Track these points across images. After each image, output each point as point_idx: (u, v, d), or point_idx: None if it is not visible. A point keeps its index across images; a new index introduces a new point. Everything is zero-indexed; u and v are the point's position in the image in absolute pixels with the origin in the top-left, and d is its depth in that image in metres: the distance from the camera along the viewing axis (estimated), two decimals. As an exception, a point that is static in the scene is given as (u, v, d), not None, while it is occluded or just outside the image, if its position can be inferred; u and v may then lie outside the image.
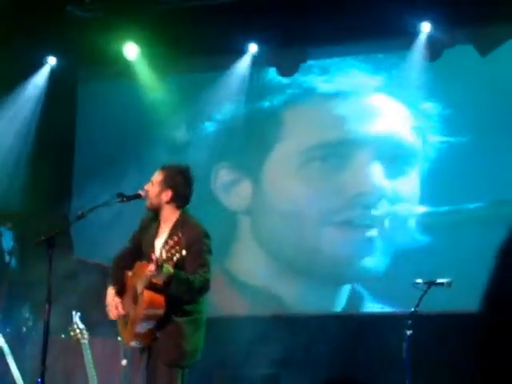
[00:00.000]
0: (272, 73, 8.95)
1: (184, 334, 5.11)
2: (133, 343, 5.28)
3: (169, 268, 4.84)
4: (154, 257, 4.85)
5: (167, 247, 4.80)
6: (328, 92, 8.71)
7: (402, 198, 8.25)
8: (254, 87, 8.92)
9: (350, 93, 8.64)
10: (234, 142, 8.91)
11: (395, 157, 8.31)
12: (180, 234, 4.87)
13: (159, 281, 4.92)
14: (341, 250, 8.31)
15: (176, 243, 4.77)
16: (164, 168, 5.37)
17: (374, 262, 8.24)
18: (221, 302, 8.22)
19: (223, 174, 8.82)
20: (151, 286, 5.00)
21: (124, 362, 6.76)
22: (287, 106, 8.84)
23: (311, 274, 8.45)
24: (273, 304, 8.47)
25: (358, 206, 8.31)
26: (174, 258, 4.78)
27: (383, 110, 8.48)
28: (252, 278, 8.62)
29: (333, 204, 8.38)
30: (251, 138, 8.92)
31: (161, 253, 4.85)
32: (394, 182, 8.28)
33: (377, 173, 8.31)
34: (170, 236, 4.98)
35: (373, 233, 8.25)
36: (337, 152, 8.48)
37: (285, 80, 8.86)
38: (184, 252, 4.79)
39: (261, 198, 8.78)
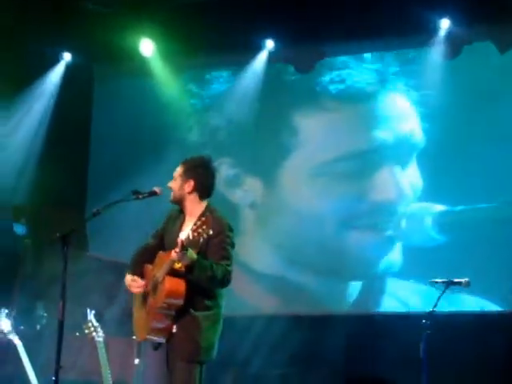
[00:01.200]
0: (289, 73, 8.89)
1: (200, 329, 5.05)
2: (149, 337, 5.21)
3: (192, 253, 4.81)
4: (179, 240, 4.81)
5: (194, 227, 4.77)
6: (345, 95, 8.65)
7: (420, 198, 8.20)
8: (271, 87, 8.88)
9: (368, 95, 8.58)
10: (243, 138, 8.85)
11: (412, 158, 8.26)
12: (208, 214, 4.85)
13: (182, 265, 4.87)
14: (362, 251, 8.30)
15: (203, 223, 4.75)
16: (185, 161, 5.35)
17: (393, 261, 8.19)
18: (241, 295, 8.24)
19: (224, 169, 8.77)
20: (173, 273, 4.95)
21: (137, 361, 6.73)
22: (304, 108, 8.79)
23: (329, 272, 8.41)
24: (288, 298, 8.44)
25: (382, 211, 8.29)
26: (201, 239, 4.75)
27: (401, 112, 8.42)
28: (266, 267, 8.61)
29: (355, 209, 8.38)
30: (264, 136, 8.89)
31: (188, 236, 4.80)
32: (413, 183, 8.23)
33: (398, 177, 8.26)
34: (196, 223, 4.93)
35: (393, 234, 8.21)
36: (358, 160, 8.44)
37: (302, 80, 8.80)
38: (211, 231, 4.76)
39: (273, 196, 8.79)
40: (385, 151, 8.37)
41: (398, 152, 8.33)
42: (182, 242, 4.77)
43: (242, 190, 8.83)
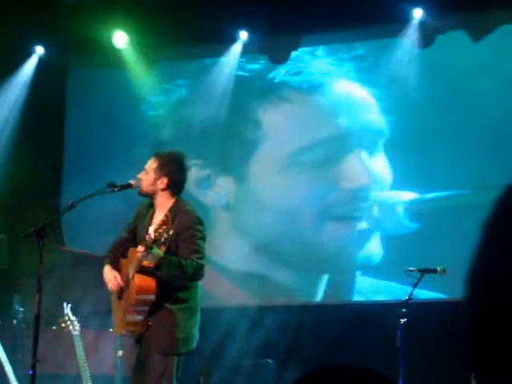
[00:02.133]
0: (246, 67, 8.87)
1: (177, 322, 5.08)
2: (124, 331, 5.24)
3: (157, 250, 4.82)
4: (146, 237, 4.83)
5: (156, 227, 4.79)
6: (312, 84, 8.62)
7: (389, 186, 8.23)
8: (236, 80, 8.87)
9: (333, 84, 8.58)
10: (212, 136, 8.83)
11: (378, 146, 8.28)
12: (168, 213, 4.85)
13: (150, 263, 4.89)
14: (339, 242, 8.29)
15: (163, 223, 4.76)
16: (158, 155, 5.34)
17: (369, 251, 8.21)
18: (213, 292, 8.19)
19: (195, 170, 8.73)
20: (142, 270, 4.97)
21: (120, 352, 6.72)
22: (269, 102, 8.75)
23: (305, 265, 8.42)
24: (264, 292, 8.44)
25: (356, 199, 8.28)
26: (162, 238, 4.76)
27: (366, 100, 8.43)
28: (238, 266, 8.58)
29: (329, 200, 8.34)
30: (230, 135, 8.85)
31: (150, 234, 4.83)
32: (382, 170, 8.25)
33: (366, 162, 8.28)
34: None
35: (368, 223, 8.23)
36: (325, 148, 8.42)
37: (262, 72, 8.78)
38: (171, 231, 4.77)
39: (245, 195, 8.73)
40: (350, 138, 8.35)
41: (364, 139, 8.32)
42: (146, 241, 4.77)
43: (213, 192, 8.77)
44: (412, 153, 8.15)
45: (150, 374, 5.10)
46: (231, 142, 8.81)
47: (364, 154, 8.29)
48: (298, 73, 8.65)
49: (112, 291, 5.26)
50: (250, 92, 8.84)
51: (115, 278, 5.20)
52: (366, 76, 8.43)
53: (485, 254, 2.06)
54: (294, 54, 8.66)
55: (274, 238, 8.50)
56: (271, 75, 8.76)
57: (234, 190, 8.74)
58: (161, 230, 4.76)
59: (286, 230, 8.44)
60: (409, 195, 8.13)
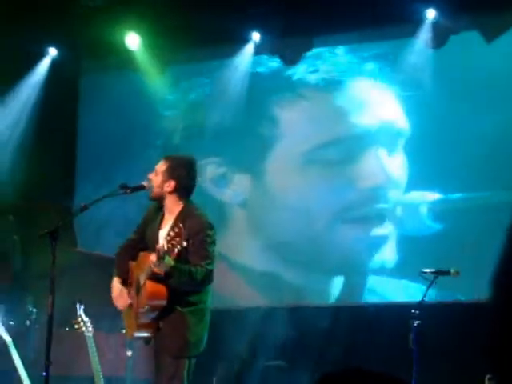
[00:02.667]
0: (265, 64, 8.85)
1: (188, 325, 5.09)
2: (136, 334, 5.26)
3: (170, 260, 4.82)
4: (157, 247, 4.83)
5: (168, 238, 4.78)
6: (329, 83, 8.61)
7: (409, 185, 8.19)
8: (251, 80, 8.85)
9: (351, 83, 8.57)
10: (228, 135, 8.81)
11: (398, 146, 8.25)
12: (181, 225, 4.83)
13: (161, 271, 4.90)
14: (354, 243, 8.26)
15: (177, 235, 4.75)
16: (168, 158, 5.34)
17: (383, 255, 8.17)
18: (224, 290, 8.20)
19: (211, 169, 8.71)
20: (154, 277, 4.97)
21: (129, 353, 6.73)
22: (286, 100, 8.74)
23: (321, 266, 8.39)
24: (279, 293, 8.43)
25: (372, 199, 8.24)
26: (175, 250, 4.75)
27: (385, 99, 8.40)
28: (255, 265, 8.57)
29: (346, 200, 8.31)
30: (247, 132, 8.83)
31: (163, 243, 4.83)
32: (400, 170, 8.21)
33: (383, 162, 8.24)
34: (173, 227, 4.94)
35: (388, 225, 8.18)
36: (342, 147, 8.39)
37: (279, 71, 8.76)
38: (185, 243, 4.78)
39: (261, 192, 8.73)
40: (367, 137, 8.31)
41: (382, 138, 8.28)
42: (159, 250, 4.77)
43: (230, 189, 8.76)
44: (432, 153, 8.11)
45: (161, 376, 5.12)
46: (247, 140, 8.80)
47: (382, 153, 8.25)
48: (316, 71, 8.64)
49: (123, 309, 5.29)
50: (266, 90, 8.83)
51: (122, 296, 5.22)
52: (384, 75, 8.40)
53: (510, 256, 2.04)
54: (312, 51, 8.63)
55: (290, 237, 8.48)
56: (288, 73, 8.75)
57: (250, 188, 8.74)
58: (174, 242, 4.74)
59: (302, 228, 8.42)
60: (432, 195, 8.08)
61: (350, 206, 8.30)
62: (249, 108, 8.78)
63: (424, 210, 8.08)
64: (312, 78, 8.65)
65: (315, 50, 8.64)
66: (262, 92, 8.84)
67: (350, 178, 8.34)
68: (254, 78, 8.83)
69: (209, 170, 8.70)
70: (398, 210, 8.18)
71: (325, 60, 8.66)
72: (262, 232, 8.71)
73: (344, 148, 8.37)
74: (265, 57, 8.86)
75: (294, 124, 8.67)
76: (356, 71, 8.55)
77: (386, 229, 8.18)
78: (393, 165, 8.23)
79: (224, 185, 8.76)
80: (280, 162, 8.66)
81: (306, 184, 8.51)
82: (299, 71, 8.71)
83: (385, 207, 8.19)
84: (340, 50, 8.67)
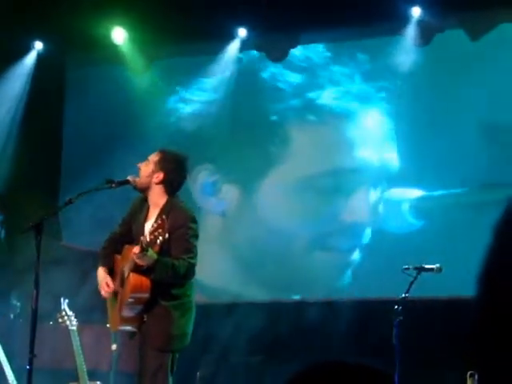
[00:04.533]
0: (274, 68, 8.78)
1: (171, 318, 5.12)
2: (120, 327, 5.28)
3: (153, 253, 4.84)
4: (141, 239, 4.86)
5: (151, 230, 4.82)
6: (344, 110, 8.48)
7: (396, 183, 8.24)
8: (251, 83, 8.83)
9: (365, 113, 8.45)
10: (223, 140, 8.77)
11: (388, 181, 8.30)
12: (164, 217, 4.86)
13: (143, 264, 4.92)
14: (323, 269, 8.33)
15: (159, 226, 4.78)
16: (163, 151, 5.40)
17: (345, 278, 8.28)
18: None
19: (202, 176, 8.70)
20: (137, 269, 5.00)
21: (114, 346, 6.74)
22: (301, 119, 8.63)
23: (287, 287, 8.46)
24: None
25: (351, 233, 8.28)
26: (158, 241, 4.79)
27: (389, 137, 8.35)
28: (212, 279, 8.45)
29: (326, 228, 8.33)
30: (252, 144, 8.74)
31: (145, 235, 4.86)
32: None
33: (373, 203, 8.25)
34: (156, 219, 4.98)
35: (356, 256, 8.28)
36: (340, 177, 8.36)
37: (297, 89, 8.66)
38: (167, 235, 4.80)
39: (246, 207, 8.67)
40: (364, 173, 8.29)
41: (377, 176, 8.28)
42: (142, 242, 4.79)
43: (216, 198, 8.72)
44: (416, 150, 8.16)
45: (145, 369, 5.14)
46: (251, 152, 8.69)
47: (373, 193, 8.26)
48: (336, 97, 8.53)
49: (104, 298, 5.30)
50: (285, 106, 8.69)
51: (107, 284, 5.24)
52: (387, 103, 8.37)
53: (495, 254, 2.06)
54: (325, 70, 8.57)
55: (260, 257, 8.47)
56: (310, 95, 8.61)
57: (236, 201, 8.66)
58: (156, 234, 4.78)
59: (275, 250, 8.40)
60: (414, 192, 8.13)
61: (327, 235, 8.32)
62: (247, 114, 8.73)
63: (406, 206, 8.13)
64: (331, 104, 8.52)
65: (300, 48, 8.63)
66: (281, 107, 8.71)
67: (337, 209, 8.33)
68: (276, 92, 8.74)
69: (201, 176, 8.65)
70: (383, 207, 8.22)
71: (342, 83, 8.54)
72: (233, 246, 8.66)
73: (341, 179, 8.34)
74: (287, 72, 8.76)
75: (301, 146, 8.56)
76: (370, 102, 8.42)
77: (358, 256, 8.23)
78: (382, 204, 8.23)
79: (212, 193, 8.71)
80: (276, 181, 8.58)
81: (292, 208, 8.48)
82: (324, 95, 8.59)
83: (364, 242, 8.23)
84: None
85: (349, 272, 8.28)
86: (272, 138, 8.66)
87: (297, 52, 8.68)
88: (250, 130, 8.76)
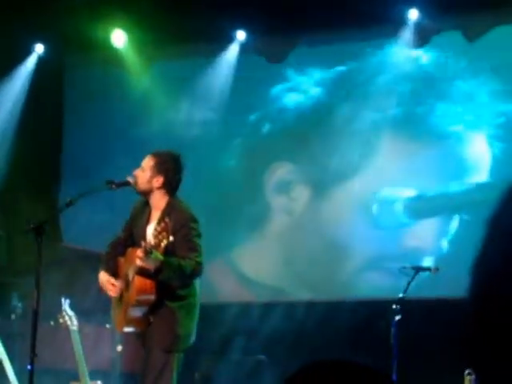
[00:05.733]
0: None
1: (177, 319, 5.14)
2: (126, 329, 5.30)
3: (158, 255, 4.86)
4: (143, 243, 4.88)
5: (155, 233, 4.83)
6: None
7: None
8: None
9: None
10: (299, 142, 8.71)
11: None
12: (167, 220, 4.88)
13: (149, 267, 4.94)
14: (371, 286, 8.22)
15: (163, 229, 4.80)
16: (155, 154, 5.38)
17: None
18: (218, 288, 8.32)
19: (281, 173, 8.69)
20: (141, 272, 5.02)
21: (119, 348, 6.76)
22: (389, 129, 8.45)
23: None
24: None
25: (408, 256, 7.89)
26: (162, 244, 4.80)
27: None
28: (258, 274, 8.61)
29: (383, 251, 8.17)
30: (331, 146, 8.58)
31: (150, 239, 4.88)
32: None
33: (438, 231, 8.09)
34: (159, 222, 5.00)
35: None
36: (421, 202, 8.12)
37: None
38: (171, 238, 4.82)
39: (314, 212, 8.59)
40: (454, 201, 8.04)
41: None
42: (145, 245, 4.83)
43: (288, 198, 8.70)
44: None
45: (150, 369, 5.16)
46: (331, 157, 8.52)
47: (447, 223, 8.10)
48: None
49: (112, 297, 5.33)
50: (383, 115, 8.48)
51: (113, 284, 5.26)
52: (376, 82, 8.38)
53: (488, 250, 2.11)
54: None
55: (313, 260, 8.45)
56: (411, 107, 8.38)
57: (306, 203, 8.61)
58: (160, 237, 4.80)
59: (320, 260, 8.37)
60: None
61: (385, 258, 8.11)
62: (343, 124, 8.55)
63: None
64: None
65: (299, 50, 8.67)
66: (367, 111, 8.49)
67: (400, 233, 8.18)
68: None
69: (278, 173, 8.66)
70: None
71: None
72: (291, 246, 8.65)
73: (421, 204, 8.12)
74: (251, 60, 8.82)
75: (387, 159, 8.31)
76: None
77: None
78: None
79: (285, 192, 8.69)
80: (353, 193, 8.40)
81: (355, 223, 8.36)
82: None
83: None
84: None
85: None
86: (359, 146, 8.40)
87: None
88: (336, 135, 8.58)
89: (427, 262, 7.81)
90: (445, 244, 7.96)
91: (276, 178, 8.66)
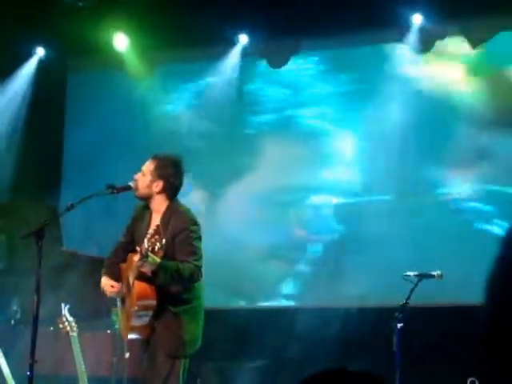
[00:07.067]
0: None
1: (182, 324, 5.10)
2: (131, 336, 5.25)
3: (154, 258, 4.83)
4: (138, 248, 4.85)
5: (148, 236, 4.82)
6: (321, 129, 8.64)
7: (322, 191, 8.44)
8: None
9: (337, 133, 8.59)
10: (213, 147, 8.85)
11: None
12: (159, 224, 4.86)
13: (146, 270, 4.91)
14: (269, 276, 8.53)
15: (156, 232, 4.78)
16: (156, 157, 5.34)
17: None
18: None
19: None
20: (141, 277, 4.98)
21: (127, 355, 6.72)
22: (269, 129, 8.81)
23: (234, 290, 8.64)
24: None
25: (296, 248, 8.50)
26: (156, 247, 4.77)
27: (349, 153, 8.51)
28: None
29: (277, 241, 8.55)
30: (225, 150, 8.87)
31: (145, 243, 4.86)
32: None
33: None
34: (155, 226, 4.98)
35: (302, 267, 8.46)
36: (298, 193, 8.56)
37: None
38: (164, 241, 4.79)
39: (211, 212, 8.73)
40: (322, 190, 8.51)
41: (332, 192, 8.48)
42: (141, 249, 4.79)
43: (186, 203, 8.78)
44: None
45: (156, 376, 5.12)
46: (222, 160, 8.82)
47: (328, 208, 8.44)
48: (319, 115, 8.65)
49: (114, 295, 5.29)
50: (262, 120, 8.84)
51: (112, 286, 5.23)
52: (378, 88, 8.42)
53: (504, 262, 2.06)
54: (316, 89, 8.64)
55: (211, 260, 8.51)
56: (289, 111, 8.76)
57: (204, 205, 8.74)
58: (153, 240, 4.79)
59: (227, 257, 8.48)
60: (337, 199, 8.38)
61: (279, 247, 8.53)
62: (237, 128, 8.81)
63: (330, 211, 8.37)
64: (309, 122, 8.66)
65: (301, 55, 8.68)
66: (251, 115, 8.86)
67: (290, 224, 8.56)
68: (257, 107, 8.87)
69: None
70: (310, 212, 8.46)
71: (328, 102, 8.66)
72: None
73: (301, 194, 8.56)
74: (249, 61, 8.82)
75: (274, 160, 8.70)
76: (342, 123, 8.58)
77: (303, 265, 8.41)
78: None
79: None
80: (243, 191, 8.75)
81: (252, 219, 8.62)
82: (303, 113, 8.72)
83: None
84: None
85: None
86: (245, 148, 8.80)
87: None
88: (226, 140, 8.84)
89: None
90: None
91: None
